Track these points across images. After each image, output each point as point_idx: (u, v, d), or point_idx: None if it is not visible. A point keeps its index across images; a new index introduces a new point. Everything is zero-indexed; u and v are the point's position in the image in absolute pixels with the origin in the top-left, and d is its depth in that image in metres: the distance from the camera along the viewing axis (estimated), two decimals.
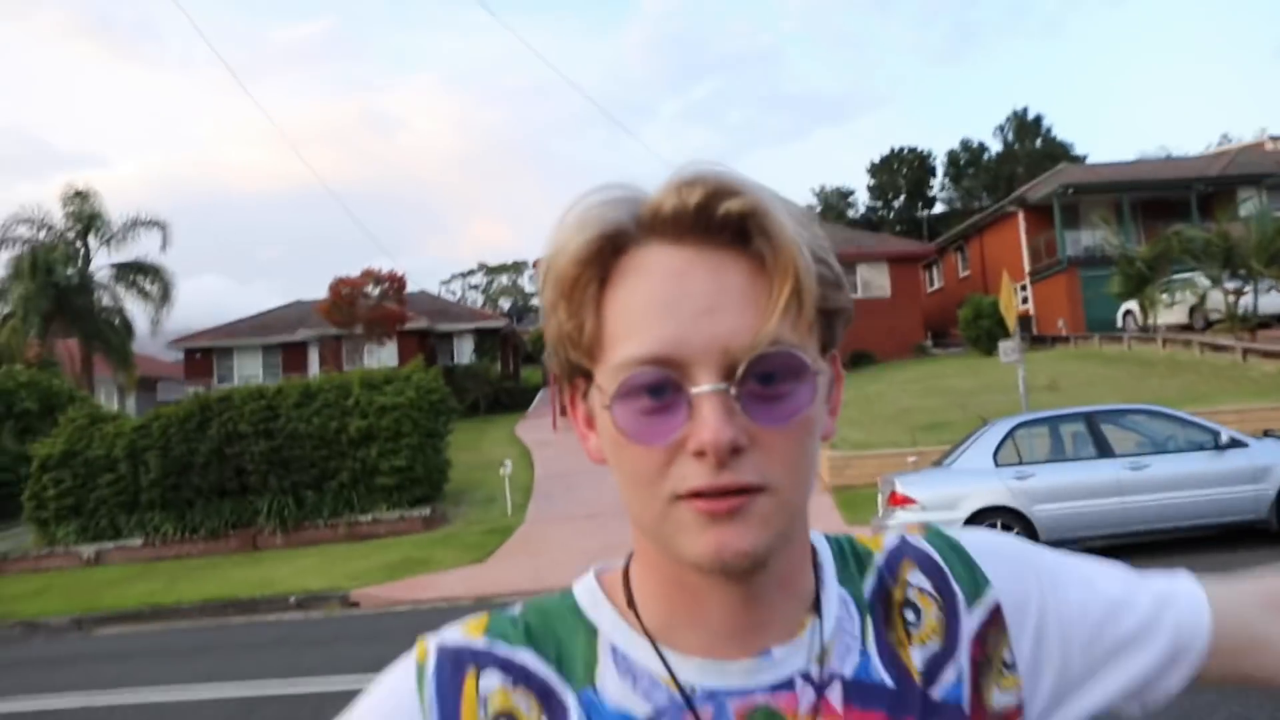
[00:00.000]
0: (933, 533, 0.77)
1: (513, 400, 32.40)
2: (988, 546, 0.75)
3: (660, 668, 0.66)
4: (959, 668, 0.69)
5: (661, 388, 0.59)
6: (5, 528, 20.54)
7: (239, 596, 12.18)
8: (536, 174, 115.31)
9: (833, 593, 0.71)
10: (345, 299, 29.61)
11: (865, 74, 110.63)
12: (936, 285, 38.67)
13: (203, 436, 16.75)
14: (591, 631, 0.68)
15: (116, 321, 28.89)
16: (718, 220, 0.60)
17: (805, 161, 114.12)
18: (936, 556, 0.74)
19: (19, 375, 21.89)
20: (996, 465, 8.77)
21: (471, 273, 74.19)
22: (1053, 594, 0.73)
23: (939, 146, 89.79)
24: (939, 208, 56.24)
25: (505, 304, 65.57)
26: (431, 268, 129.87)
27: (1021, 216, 31.64)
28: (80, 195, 28.11)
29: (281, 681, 7.34)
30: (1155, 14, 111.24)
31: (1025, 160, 51.57)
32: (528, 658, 0.68)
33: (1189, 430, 8.87)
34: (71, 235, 28.34)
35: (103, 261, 29.02)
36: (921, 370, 24.82)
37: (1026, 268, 31.40)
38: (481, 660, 0.68)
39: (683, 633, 0.66)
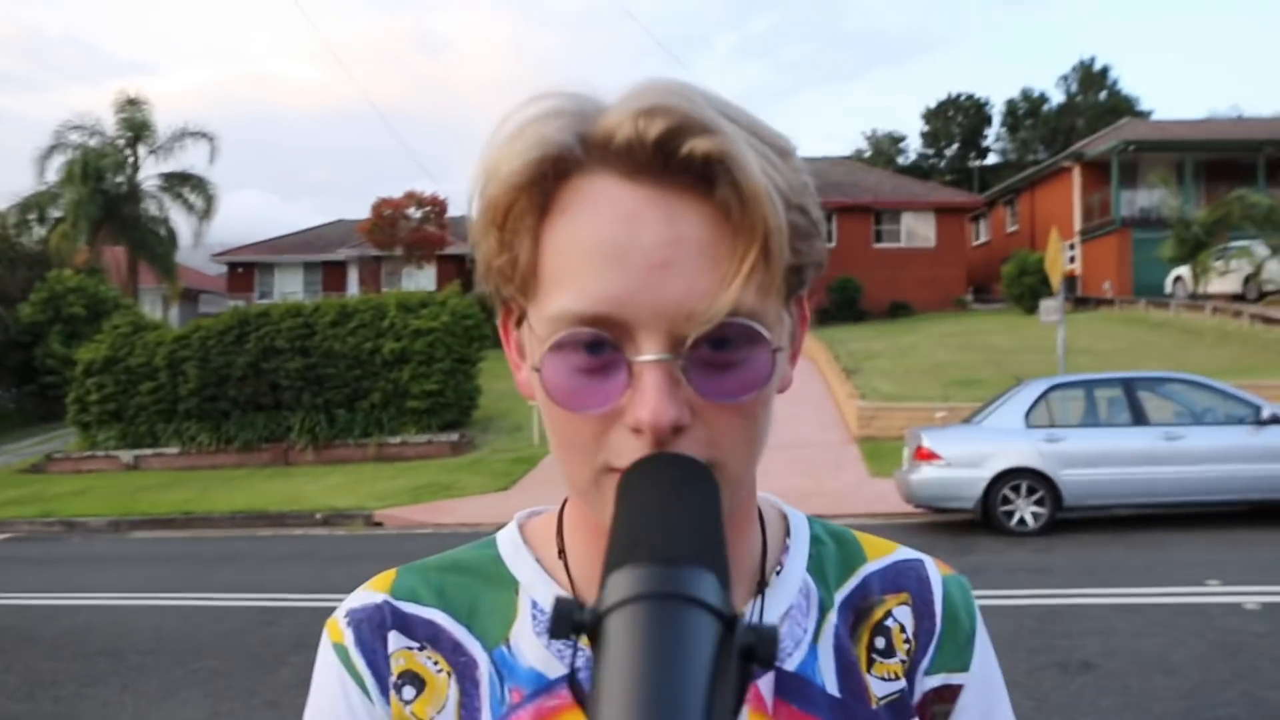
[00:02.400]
0: (958, 584, 0.69)
1: None
2: (988, 650, 0.68)
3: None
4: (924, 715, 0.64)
5: (599, 345, 0.52)
6: (51, 429, 21.22)
7: (268, 510, 12.50)
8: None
9: (793, 577, 0.65)
10: (386, 220, 29.68)
11: (929, 12, 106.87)
12: (983, 239, 37.82)
13: (240, 350, 17.04)
14: (512, 585, 0.64)
15: (162, 232, 29.23)
16: (679, 160, 0.50)
17: (860, 103, 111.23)
18: (940, 608, 0.67)
19: (68, 280, 22.34)
20: (1027, 426, 8.63)
21: None
22: None
23: (998, 95, 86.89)
24: (992, 159, 54.64)
25: None
26: (466, 207, 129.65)
27: (1077, 172, 30.65)
28: (132, 103, 28.24)
29: (302, 595, 7.55)
30: None
31: (1087, 113, 49.79)
32: (436, 615, 0.64)
33: (1229, 403, 8.65)
34: (122, 143, 28.55)
35: (150, 171, 29.30)
36: (960, 325, 24.42)
37: (1077, 226, 30.54)
38: (390, 616, 0.64)
39: None
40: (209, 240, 31.23)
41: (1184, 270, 23.55)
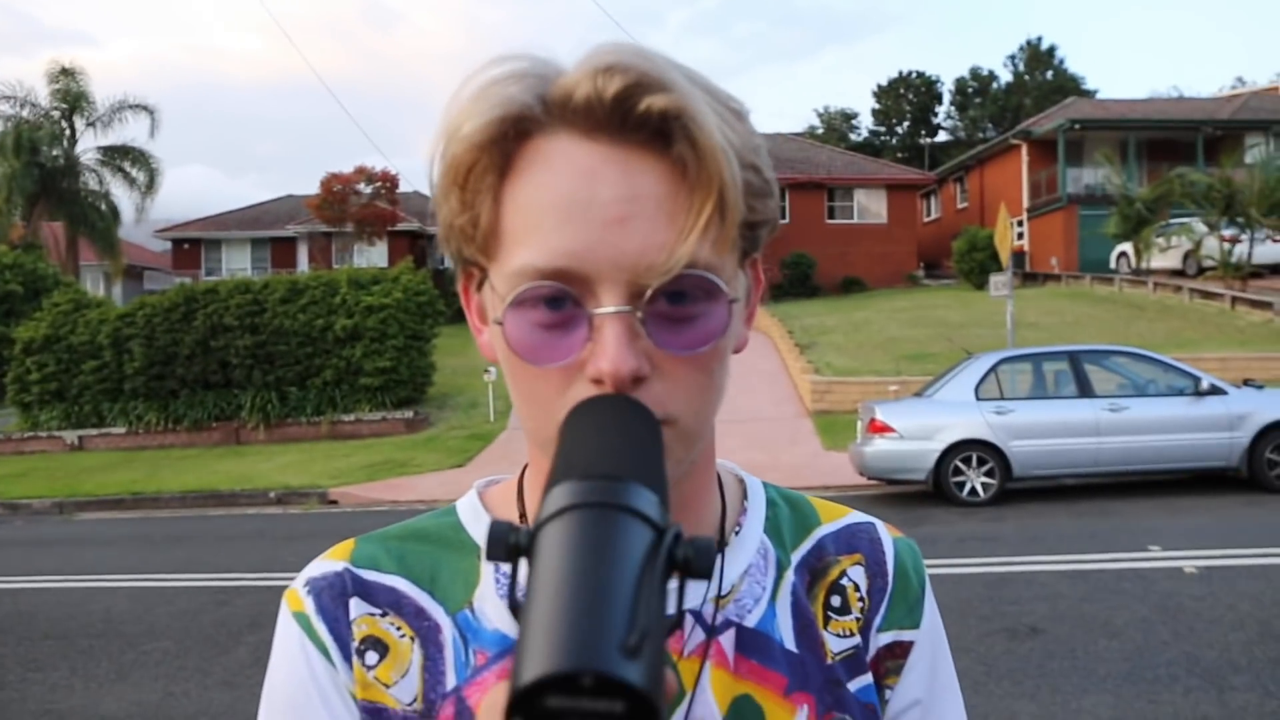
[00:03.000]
0: (907, 546, 0.71)
1: None
2: (935, 609, 0.71)
3: None
4: (869, 676, 0.66)
5: (559, 300, 0.52)
6: None
7: (219, 489, 12.30)
8: None
9: (752, 537, 0.67)
10: (336, 195, 29.13)
11: None
12: (934, 215, 38.33)
13: (188, 328, 16.66)
14: (474, 551, 0.65)
15: (103, 207, 28.38)
16: (636, 117, 0.51)
17: (812, 80, 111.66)
18: (892, 568, 0.69)
19: (3, 257, 21.61)
20: (978, 399, 8.81)
21: None
22: (933, 700, 0.69)
23: (948, 73, 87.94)
24: (943, 136, 55.35)
25: None
26: (427, 169, 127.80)
27: (1025, 150, 31.15)
28: (66, 73, 27.30)
29: (257, 574, 7.46)
30: None
31: (1034, 92, 50.59)
32: (398, 582, 0.64)
33: (1170, 375, 8.91)
34: (57, 115, 27.62)
35: (89, 144, 28.39)
36: (911, 300, 24.76)
37: (1025, 203, 31.08)
38: (350, 584, 0.65)
39: None
40: (152, 216, 30.46)
41: (1127, 246, 24.14)
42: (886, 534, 0.71)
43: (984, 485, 8.62)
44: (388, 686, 0.62)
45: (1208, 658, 4.45)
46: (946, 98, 55.88)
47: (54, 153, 27.22)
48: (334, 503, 11.66)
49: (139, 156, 28.43)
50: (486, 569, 0.64)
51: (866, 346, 18.09)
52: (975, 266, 25.74)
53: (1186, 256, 22.76)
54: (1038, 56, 54.19)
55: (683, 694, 0.60)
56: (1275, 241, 21.53)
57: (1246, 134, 29.21)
